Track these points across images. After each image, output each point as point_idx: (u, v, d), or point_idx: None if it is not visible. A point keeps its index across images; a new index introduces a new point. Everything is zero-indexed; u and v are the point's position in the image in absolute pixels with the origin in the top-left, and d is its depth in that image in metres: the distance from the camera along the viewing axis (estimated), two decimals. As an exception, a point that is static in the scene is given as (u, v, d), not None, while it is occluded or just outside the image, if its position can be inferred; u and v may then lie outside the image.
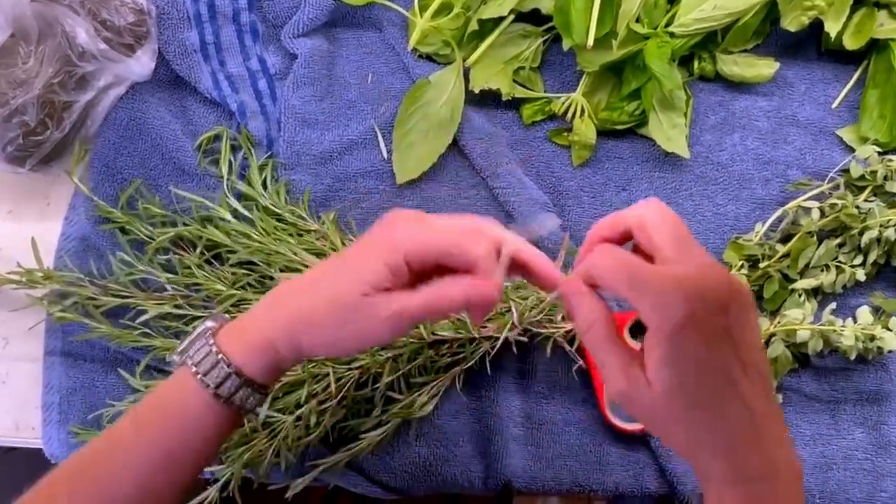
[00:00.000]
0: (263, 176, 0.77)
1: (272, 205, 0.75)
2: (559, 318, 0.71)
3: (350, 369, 0.66)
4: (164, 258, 0.75)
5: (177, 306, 0.72)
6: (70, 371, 0.77)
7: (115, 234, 0.76)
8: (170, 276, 0.73)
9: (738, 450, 0.45)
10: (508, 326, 0.68)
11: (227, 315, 0.55)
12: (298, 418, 0.65)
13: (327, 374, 0.64)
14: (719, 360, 0.44)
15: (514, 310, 0.68)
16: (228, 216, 0.73)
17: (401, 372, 0.68)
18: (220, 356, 0.51)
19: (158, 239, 0.73)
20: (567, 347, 0.72)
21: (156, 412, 0.52)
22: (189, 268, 0.73)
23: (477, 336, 0.69)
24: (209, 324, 0.53)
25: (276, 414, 0.65)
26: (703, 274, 0.45)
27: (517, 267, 0.53)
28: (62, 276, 0.75)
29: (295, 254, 0.70)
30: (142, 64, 0.77)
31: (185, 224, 0.74)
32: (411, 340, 0.67)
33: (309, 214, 0.76)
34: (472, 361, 0.70)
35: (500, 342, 0.69)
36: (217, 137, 0.80)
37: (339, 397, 0.65)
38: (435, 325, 0.68)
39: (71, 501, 0.50)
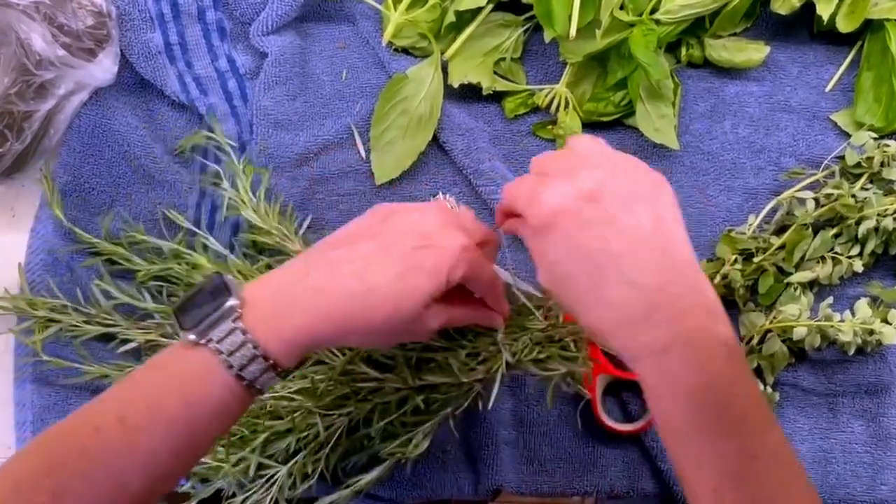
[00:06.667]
0: (249, 181, 0.73)
1: (259, 219, 0.71)
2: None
3: (340, 416, 0.63)
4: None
5: (164, 335, 0.69)
6: (42, 389, 0.74)
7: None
8: (154, 305, 0.70)
9: (626, 329, 0.47)
10: (501, 367, 0.62)
11: (235, 280, 0.52)
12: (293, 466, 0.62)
13: (315, 424, 0.61)
14: (588, 245, 0.48)
15: (504, 350, 0.62)
16: (205, 262, 0.69)
17: (391, 419, 0.64)
18: (256, 350, 0.48)
19: (141, 273, 0.70)
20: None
21: (174, 398, 0.48)
22: (175, 296, 0.70)
23: (466, 381, 0.63)
24: (232, 301, 0.49)
25: (269, 461, 0.62)
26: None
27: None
28: (46, 303, 0.71)
29: None
30: (104, 68, 0.73)
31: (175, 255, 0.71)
32: (396, 386, 0.63)
33: (294, 233, 0.72)
34: (467, 402, 0.65)
35: (496, 386, 0.63)
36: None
37: (331, 443, 0.62)
38: (422, 371, 0.64)
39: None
